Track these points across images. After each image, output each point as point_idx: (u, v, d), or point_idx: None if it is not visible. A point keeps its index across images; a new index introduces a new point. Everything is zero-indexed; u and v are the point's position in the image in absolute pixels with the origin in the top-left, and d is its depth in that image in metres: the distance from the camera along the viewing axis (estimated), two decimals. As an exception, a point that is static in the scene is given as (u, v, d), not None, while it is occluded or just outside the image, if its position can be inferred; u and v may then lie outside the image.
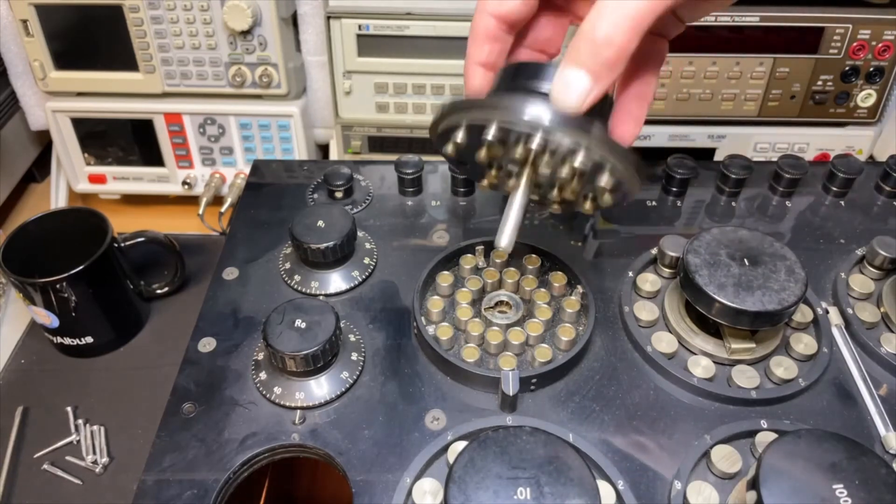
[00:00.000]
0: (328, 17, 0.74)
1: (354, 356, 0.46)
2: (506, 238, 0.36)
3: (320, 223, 0.51)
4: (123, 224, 0.57)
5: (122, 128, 0.85)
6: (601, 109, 0.33)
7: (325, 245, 0.49)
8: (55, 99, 0.83)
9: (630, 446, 0.41)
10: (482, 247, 0.51)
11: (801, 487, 0.32)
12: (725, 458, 0.39)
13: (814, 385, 0.44)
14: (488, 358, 0.45)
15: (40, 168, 0.98)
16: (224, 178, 0.88)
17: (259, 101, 0.83)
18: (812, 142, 0.76)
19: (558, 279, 0.49)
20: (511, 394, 0.41)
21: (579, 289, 0.48)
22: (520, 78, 0.34)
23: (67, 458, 0.49)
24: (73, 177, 0.89)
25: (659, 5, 0.29)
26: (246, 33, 0.76)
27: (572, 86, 0.30)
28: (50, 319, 0.52)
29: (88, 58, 0.80)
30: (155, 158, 0.87)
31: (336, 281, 0.51)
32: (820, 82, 0.71)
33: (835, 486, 0.32)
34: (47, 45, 0.79)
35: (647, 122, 0.76)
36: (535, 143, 0.32)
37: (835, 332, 0.47)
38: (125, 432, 0.50)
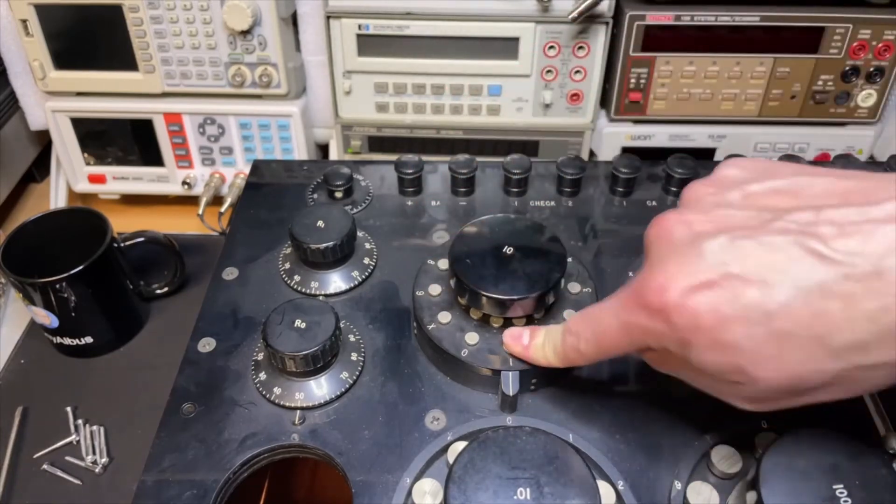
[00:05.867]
0: (328, 17, 0.74)
1: (354, 356, 0.46)
2: None
3: (320, 223, 0.51)
4: (123, 224, 0.57)
5: (121, 128, 0.85)
6: None
7: (324, 245, 0.49)
8: (55, 99, 0.83)
9: (630, 446, 0.41)
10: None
11: (801, 488, 0.32)
12: (725, 458, 0.39)
13: (814, 385, 0.44)
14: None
15: (40, 168, 0.98)
16: (224, 177, 0.88)
17: (259, 100, 0.83)
18: (812, 142, 0.76)
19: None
20: (511, 394, 0.41)
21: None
22: None
23: (67, 458, 0.49)
24: (72, 177, 0.89)
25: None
26: (246, 33, 0.76)
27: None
28: (49, 319, 0.52)
29: (88, 57, 0.80)
30: (154, 158, 0.87)
31: (336, 281, 0.51)
32: (820, 82, 0.71)
33: (835, 487, 0.32)
34: (47, 45, 0.79)
35: (648, 122, 0.76)
36: None
37: (835, 332, 0.47)
38: (125, 432, 0.50)
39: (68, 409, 0.51)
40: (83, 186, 0.90)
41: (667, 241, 0.33)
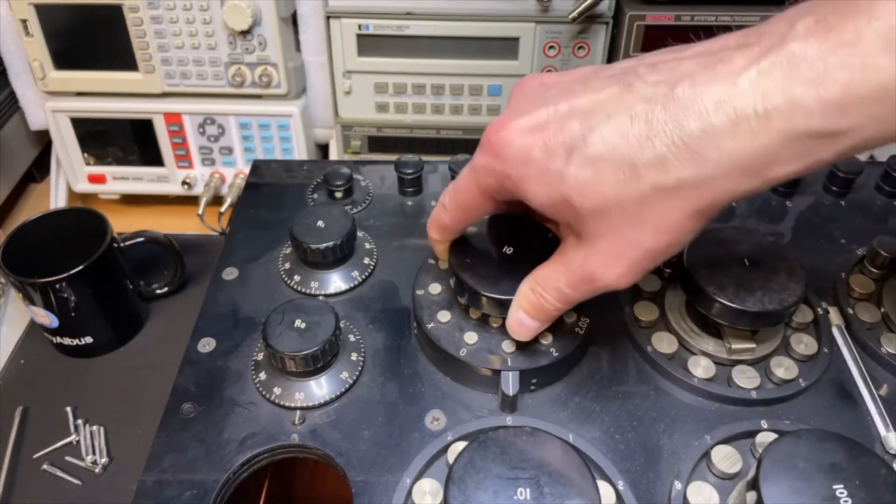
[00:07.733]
0: (328, 17, 0.74)
1: (354, 356, 0.46)
2: None
3: (320, 223, 0.51)
4: (123, 224, 0.57)
5: (121, 128, 0.85)
6: None
7: (325, 245, 0.49)
8: (55, 99, 0.83)
9: (630, 446, 0.41)
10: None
11: (801, 488, 0.32)
12: (726, 458, 0.39)
13: (814, 385, 0.44)
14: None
15: (40, 168, 0.98)
16: (224, 177, 0.88)
17: (259, 100, 0.83)
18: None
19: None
20: (511, 394, 0.41)
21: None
22: None
23: (67, 458, 0.49)
24: (72, 177, 0.89)
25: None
26: (246, 33, 0.76)
27: (524, 325, 0.40)
28: (49, 319, 0.52)
29: (88, 57, 0.80)
30: (154, 158, 0.87)
31: (336, 281, 0.51)
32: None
33: (835, 487, 0.32)
34: (47, 45, 0.79)
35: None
36: None
37: (835, 332, 0.47)
38: (125, 432, 0.50)
39: (68, 409, 0.51)
40: (83, 186, 0.90)
41: (521, 93, 0.37)
